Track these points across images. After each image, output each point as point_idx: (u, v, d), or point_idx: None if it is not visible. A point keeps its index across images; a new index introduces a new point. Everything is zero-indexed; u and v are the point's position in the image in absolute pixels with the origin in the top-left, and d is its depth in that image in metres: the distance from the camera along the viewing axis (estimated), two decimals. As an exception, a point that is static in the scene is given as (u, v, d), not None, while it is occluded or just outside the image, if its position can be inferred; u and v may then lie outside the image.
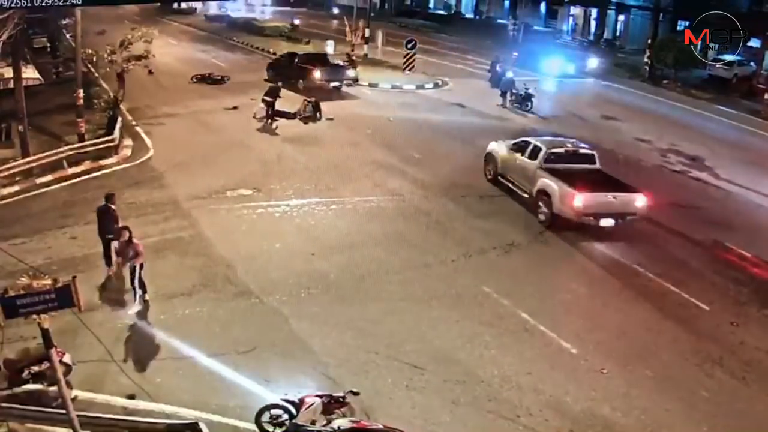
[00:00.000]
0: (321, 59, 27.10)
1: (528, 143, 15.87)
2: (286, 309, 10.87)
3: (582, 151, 15.73)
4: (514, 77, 26.20)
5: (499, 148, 16.86)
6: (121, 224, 11.25)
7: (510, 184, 16.06)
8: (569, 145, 16.06)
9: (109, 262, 11.48)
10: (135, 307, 10.60)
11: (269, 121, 21.68)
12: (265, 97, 21.88)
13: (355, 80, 27.04)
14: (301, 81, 25.55)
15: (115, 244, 10.99)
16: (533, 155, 15.29)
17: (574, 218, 13.90)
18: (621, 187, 14.54)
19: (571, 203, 13.76)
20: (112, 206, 11.92)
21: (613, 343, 10.45)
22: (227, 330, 10.25)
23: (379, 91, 28.09)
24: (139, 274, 10.60)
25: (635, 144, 21.96)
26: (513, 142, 16.72)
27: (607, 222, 13.93)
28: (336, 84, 25.91)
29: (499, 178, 16.57)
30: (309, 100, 22.71)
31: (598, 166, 15.44)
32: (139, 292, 10.64)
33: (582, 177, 14.33)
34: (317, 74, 25.45)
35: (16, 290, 6.36)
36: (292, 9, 59.16)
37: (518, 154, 15.86)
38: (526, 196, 15.31)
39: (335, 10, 56.27)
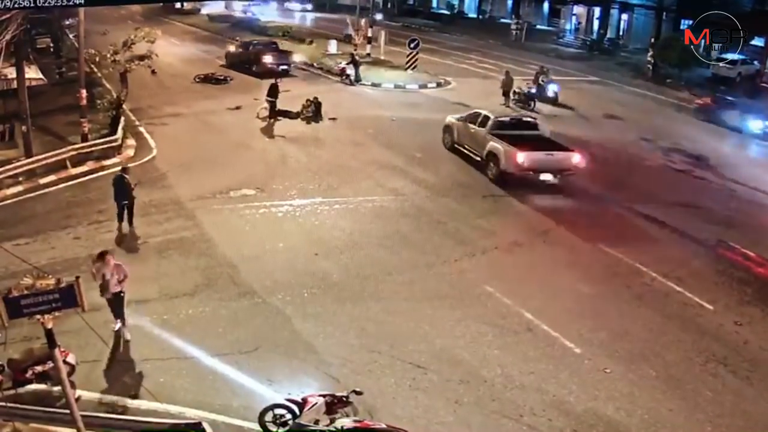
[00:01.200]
0: (271, 47, 30.64)
1: (479, 114, 18.46)
2: (289, 309, 10.88)
3: (525, 119, 18.66)
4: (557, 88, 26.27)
5: (455, 120, 19.27)
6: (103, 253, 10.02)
7: (465, 150, 18.45)
8: (513, 114, 19.18)
9: (120, 220, 13.63)
10: (126, 334, 9.89)
11: (272, 120, 21.71)
12: (268, 98, 21.94)
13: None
14: (255, 66, 28.84)
15: (93, 269, 9.90)
16: (483, 124, 17.81)
17: (518, 173, 16.25)
18: (558, 147, 17.04)
19: (514, 161, 16.14)
20: (126, 176, 13.62)
21: (616, 342, 10.42)
22: (230, 330, 10.26)
23: (381, 90, 28.10)
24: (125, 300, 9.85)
25: (638, 143, 21.91)
26: (466, 114, 19.14)
27: (546, 176, 16.31)
28: (284, 67, 29.03)
29: (456, 146, 18.99)
30: (311, 100, 22.72)
31: (540, 132, 17.93)
32: (126, 321, 9.86)
33: (524, 139, 16.71)
34: (267, 59, 28.88)
35: (20, 290, 6.38)
36: (332, 15, 54.36)
37: (471, 124, 18.30)
38: (478, 159, 17.69)
39: (378, 16, 48.77)
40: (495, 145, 16.86)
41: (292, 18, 55.10)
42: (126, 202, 13.48)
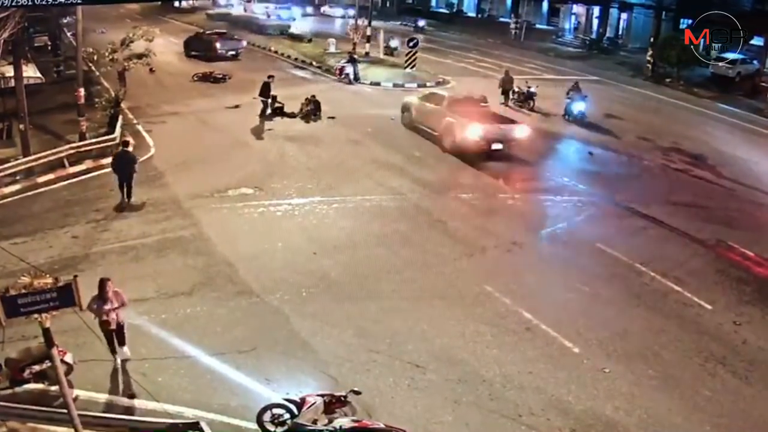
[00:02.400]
0: (222, 34, 34.36)
1: (435, 94, 21.19)
2: (288, 308, 10.85)
3: (476, 97, 20.63)
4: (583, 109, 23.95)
5: (413, 100, 21.48)
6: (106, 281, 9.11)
7: (423, 127, 20.30)
8: (465, 93, 21.57)
9: (121, 190, 14.78)
10: (124, 353, 9.33)
11: (262, 118, 21.76)
12: (260, 97, 22.03)
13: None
14: (208, 52, 32.17)
15: (92, 306, 8.73)
16: (439, 102, 19.93)
17: (472, 144, 18.20)
18: (506, 120, 19.42)
19: (468, 132, 18.09)
20: (128, 151, 15.21)
21: (615, 342, 10.41)
22: (228, 329, 10.24)
23: (380, 89, 28.07)
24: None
25: (638, 142, 21.90)
26: (423, 94, 21.69)
27: (496, 146, 18.38)
28: (233, 52, 32.81)
29: (414, 123, 20.82)
30: (309, 98, 22.70)
31: (488, 107, 20.29)
32: (125, 347, 9.26)
33: (476, 114, 18.81)
34: (218, 45, 32.41)
35: (18, 289, 6.37)
36: (385, 23, 46.36)
37: (428, 103, 20.34)
38: (435, 133, 19.58)
39: (420, 23, 48.41)
40: (451, 120, 18.81)
41: (329, 25, 47.02)
42: (125, 176, 14.60)
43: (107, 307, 8.82)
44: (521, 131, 18.81)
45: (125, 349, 9.29)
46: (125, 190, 14.67)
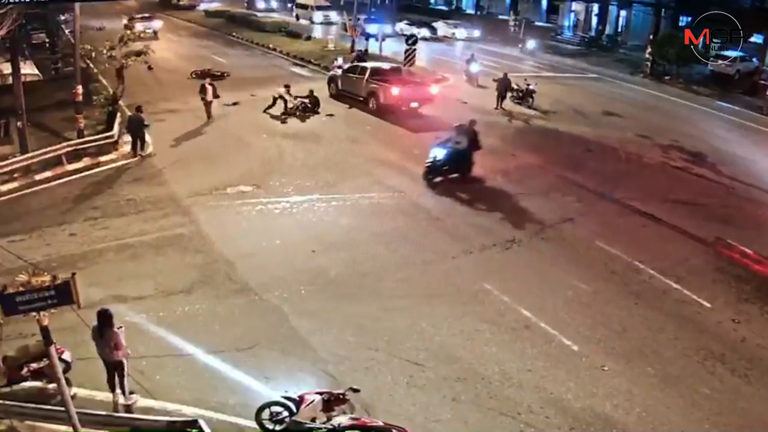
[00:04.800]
0: (144, 16, 39.86)
1: (357, 66, 24.61)
2: (286, 306, 10.84)
3: (393, 66, 25.20)
4: None
5: (338, 72, 24.89)
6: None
7: (348, 95, 23.87)
8: (384, 64, 25.79)
9: (134, 149, 18.06)
10: (128, 398, 8.64)
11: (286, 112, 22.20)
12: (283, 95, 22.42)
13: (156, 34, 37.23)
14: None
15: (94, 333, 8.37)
16: (362, 72, 23.59)
17: (394, 104, 22.15)
18: (420, 83, 24.09)
19: (390, 94, 22.17)
20: (141, 114, 18.13)
21: (614, 340, 10.41)
22: (227, 327, 10.23)
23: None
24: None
25: (637, 140, 21.87)
26: (347, 66, 25.15)
27: (414, 104, 22.53)
28: (149, 31, 36.69)
29: (341, 92, 24.24)
30: (307, 94, 22.62)
31: (403, 74, 24.44)
32: (126, 389, 8.56)
33: (394, 79, 23.05)
34: (138, 25, 35.40)
35: (15, 287, 6.35)
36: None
37: (352, 74, 24.00)
38: (361, 98, 23.23)
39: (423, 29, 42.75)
40: (374, 86, 22.71)
41: (449, 56, 35.75)
42: (139, 135, 17.95)
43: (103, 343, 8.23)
44: (432, 90, 23.25)
45: (122, 397, 8.46)
46: (138, 144, 17.92)
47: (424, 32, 41.70)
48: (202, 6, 55.59)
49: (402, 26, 42.99)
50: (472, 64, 28.98)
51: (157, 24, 38.37)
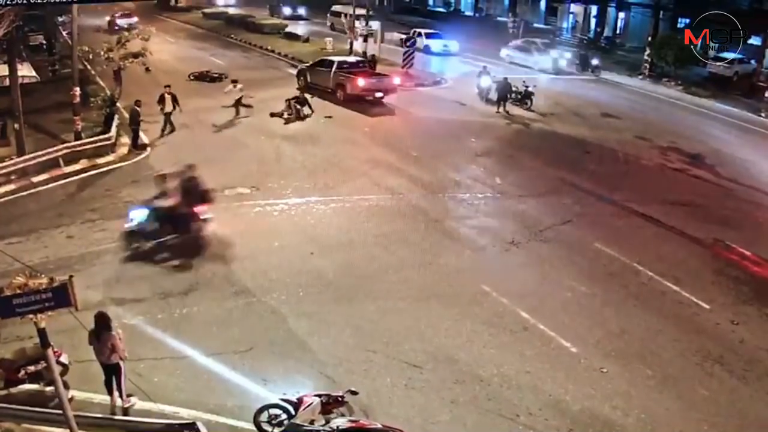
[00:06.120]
0: (125, 14, 41.95)
1: (325, 60, 26.40)
2: (285, 308, 10.81)
3: (358, 59, 27.42)
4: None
5: (306, 66, 27.09)
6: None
7: (317, 87, 25.38)
8: (349, 57, 27.95)
9: (134, 143, 19.02)
10: (126, 400, 8.51)
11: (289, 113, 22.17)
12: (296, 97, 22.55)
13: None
14: (110, 25, 39.04)
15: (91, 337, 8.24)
16: (330, 65, 25.40)
17: (360, 94, 23.93)
18: (383, 75, 25.86)
19: (356, 85, 23.97)
20: (137, 108, 18.92)
21: (612, 341, 10.41)
22: (225, 329, 10.20)
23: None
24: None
25: (635, 142, 21.90)
26: (316, 60, 27.27)
27: (378, 94, 24.35)
28: (130, 23, 38.03)
29: (310, 85, 25.68)
30: (293, 99, 22.54)
31: (366, 67, 26.46)
32: (124, 392, 8.41)
33: (360, 72, 24.95)
34: (119, 21, 39.00)
35: (13, 290, 6.31)
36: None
37: (320, 67, 25.90)
38: (329, 90, 24.89)
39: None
40: (342, 77, 24.53)
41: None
42: (132, 128, 18.97)
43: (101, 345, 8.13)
44: (394, 81, 25.29)
45: (120, 399, 8.37)
46: (133, 136, 18.92)
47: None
48: (224, 7, 54.51)
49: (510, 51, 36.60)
50: (482, 77, 26.18)
51: (134, 20, 40.95)
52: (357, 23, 33.84)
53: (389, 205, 15.29)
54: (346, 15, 40.66)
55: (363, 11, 35.11)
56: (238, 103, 22.17)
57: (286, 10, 50.71)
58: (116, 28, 36.80)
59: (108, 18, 40.85)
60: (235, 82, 22.75)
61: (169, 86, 20.60)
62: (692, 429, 8.71)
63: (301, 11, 51.10)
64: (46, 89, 23.20)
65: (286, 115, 22.08)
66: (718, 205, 16.65)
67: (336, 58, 26.41)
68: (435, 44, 37.31)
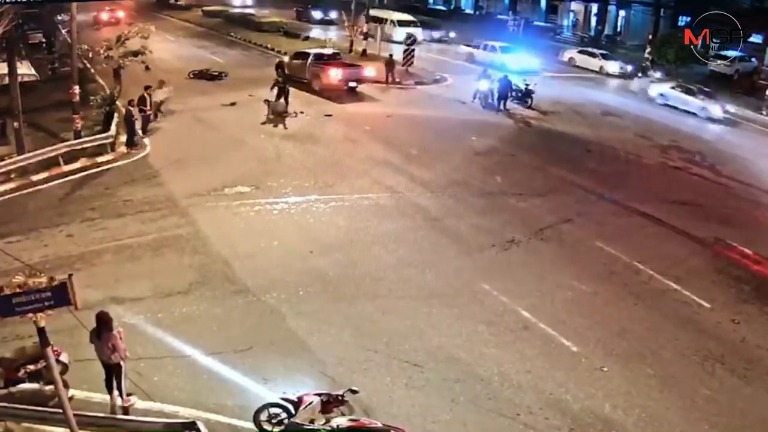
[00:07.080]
0: (108, 10, 41.47)
1: (302, 53, 27.46)
2: (285, 307, 10.80)
3: (332, 51, 28.14)
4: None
5: (285, 59, 27.74)
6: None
7: (295, 77, 25.59)
8: (324, 49, 28.80)
9: (130, 143, 18.75)
10: (126, 399, 8.47)
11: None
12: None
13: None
14: (96, 25, 37.91)
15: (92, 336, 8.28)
16: (306, 57, 26.57)
17: (335, 84, 24.99)
18: (356, 66, 26.61)
19: (331, 76, 25.14)
20: (131, 108, 18.72)
21: (613, 341, 10.39)
22: (225, 328, 10.18)
23: (377, 87, 27.93)
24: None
25: (636, 140, 21.88)
26: (293, 53, 28.24)
27: (352, 84, 25.46)
28: (113, 20, 38.92)
29: (287, 76, 25.06)
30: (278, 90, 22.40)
31: (341, 59, 27.47)
32: (124, 391, 8.39)
33: (334, 63, 26.14)
34: (103, 16, 39.29)
35: (12, 289, 6.30)
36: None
37: (297, 60, 26.81)
38: (305, 80, 25.73)
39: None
40: (317, 69, 25.59)
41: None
42: (127, 127, 18.87)
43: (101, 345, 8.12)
44: (368, 72, 26.04)
45: (120, 398, 8.31)
46: (128, 135, 18.76)
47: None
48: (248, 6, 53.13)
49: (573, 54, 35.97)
50: (482, 81, 24.86)
51: (120, 14, 41.68)
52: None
53: (389, 203, 15.27)
54: (388, 21, 38.31)
55: (407, 17, 36.98)
56: (158, 107, 20.83)
57: (316, 14, 47.02)
58: (101, 21, 38.36)
59: (94, 13, 40.43)
60: (162, 82, 21.60)
61: (149, 87, 20.21)
62: (693, 428, 8.70)
63: (333, 15, 45.36)
64: (45, 88, 23.17)
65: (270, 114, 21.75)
66: (719, 204, 16.64)
67: (312, 50, 27.41)
68: (513, 60, 30.92)
